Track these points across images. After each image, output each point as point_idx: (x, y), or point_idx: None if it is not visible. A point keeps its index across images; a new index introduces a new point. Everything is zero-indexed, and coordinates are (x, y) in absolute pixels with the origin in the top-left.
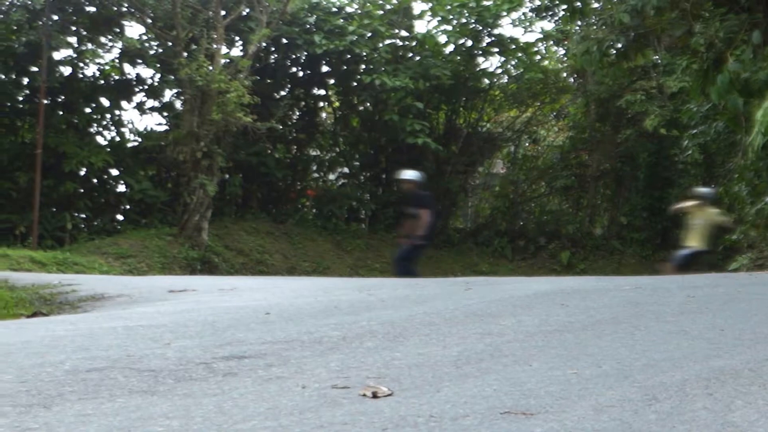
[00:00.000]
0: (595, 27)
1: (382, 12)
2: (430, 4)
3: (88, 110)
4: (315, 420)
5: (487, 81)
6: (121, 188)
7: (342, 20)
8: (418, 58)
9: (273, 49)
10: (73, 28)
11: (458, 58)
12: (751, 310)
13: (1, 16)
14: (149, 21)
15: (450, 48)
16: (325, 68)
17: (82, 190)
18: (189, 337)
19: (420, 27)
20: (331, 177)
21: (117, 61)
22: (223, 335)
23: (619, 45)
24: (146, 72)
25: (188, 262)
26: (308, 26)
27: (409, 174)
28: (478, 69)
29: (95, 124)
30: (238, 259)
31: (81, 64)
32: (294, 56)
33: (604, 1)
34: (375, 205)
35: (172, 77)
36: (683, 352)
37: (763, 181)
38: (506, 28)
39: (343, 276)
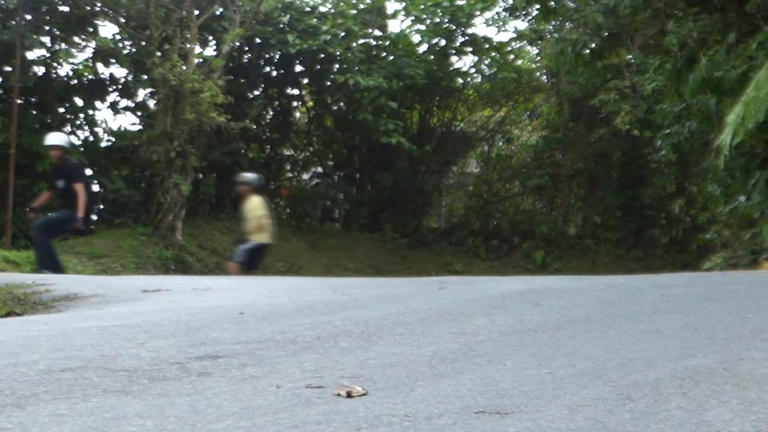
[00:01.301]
0: (568, 26)
1: (355, 11)
2: (404, 4)
3: (61, 110)
4: (289, 420)
5: (460, 80)
6: (95, 188)
7: (315, 20)
8: (391, 57)
9: (246, 48)
10: (47, 28)
11: (432, 57)
12: (725, 309)
13: None
14: (123, 21)
15: (424, 47)
16: (298, 68)
17: None
18: (163, 337)
19: (394, 26)
20: (305, 176)
21: (90, 60)
22: (197, 335)
23: (593, 45)
24: (120, 72)
25: (162, 261)
26: (282, 26)
27: (55, 138)
28: (451, 68)
29: (69, 124)
30: (212, 259)
31: (54, 64)
32: (267, 56)
33: (578, 0)
34: (349, 205)
35: (146, 77)
36: (657, 352)
37: (736, 181)
38: (480, 27)
39: (317, 275)
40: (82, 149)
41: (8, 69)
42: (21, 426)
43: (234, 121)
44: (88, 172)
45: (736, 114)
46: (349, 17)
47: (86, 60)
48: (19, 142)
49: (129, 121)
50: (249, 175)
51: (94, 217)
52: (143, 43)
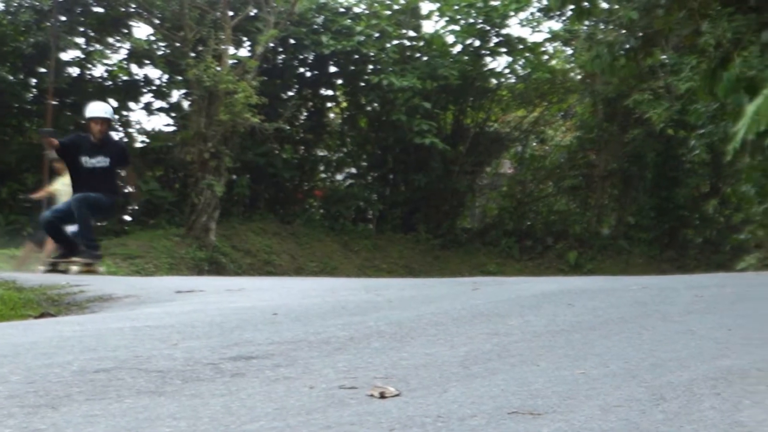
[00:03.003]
0: (602, 27)
1: (389, 12)
2: (438, 5)
3: None
4: (322, 420)
5: (494, 81)
6: (129, 189)
7: (350, 20)
8: (425, 58)
9: (281, 49)
10: (81, 29)
11: (466, 58)
12: (760, 310)
13: (9, 17)
14: (157, 22)
15: (458, 48)
16: (332, 68)
17: None
18: (196, 338)
19: (428, 27)
20: (339, 177)
21: (125, 61)
22: (230, 336)
23: (628, 46)
24: (154, 73)
25: (196, 262)
26: (316, 26)
27: (99, 109)
28: (485, 69)
29: None
30: (246, 260)
31: (89, 65)
32: (302, 56)
33: (612, 1)
34: (382, 206)
35: (180, 78)
36: (690, 352)
37: None
38: (514, 28)
39: (351, 276)
40: None
41: (43, 70)
42: (55, 426)
43: (268, 122)
44: (127, 152)
45: (755, 111)
46: (383, 18)
47: (120, 61)
48: None
49: (163, 122)
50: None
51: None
52: (177, 44)
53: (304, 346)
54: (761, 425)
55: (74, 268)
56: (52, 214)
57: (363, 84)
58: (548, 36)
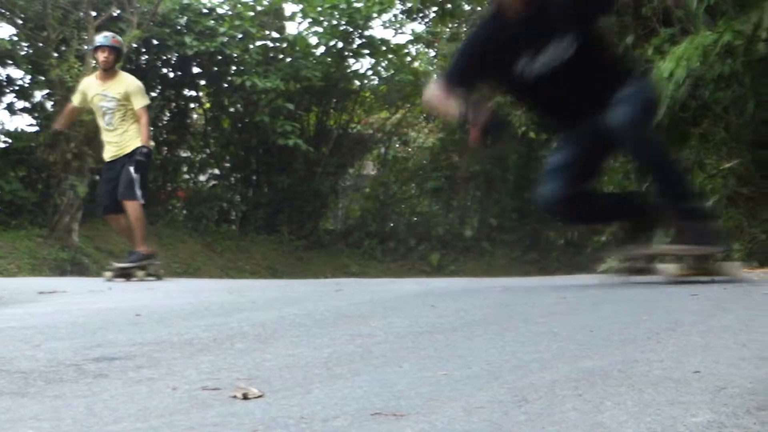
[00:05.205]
0: (465, 29)
1: (253, 13)
2: (301, 6)
3: None
4: (185, 421)
5: (357, 82)
6: None
7: (213, 21)
8: (289, 59)
9: (144, 50)
10: None
11: (329, 59)
12: (621, 312)
13: None
14: (20, 22)
15: (321, 49)
16: (196, 69)
17: None
18: (59, 339)
19: (291, 28)
20: (202, 178)
21: None
22: (93, 336)
23: None
24: (17, 73)
25: (58, 263)
26: (179, 27)
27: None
28: (348, 70)
29: None
30: (109, 261)
31: None
32: (165, 57)
33: (475, 2)
34: (246, 207)
35: (43, 78)
36: (553, 354)
37: (632, 183)
38: (377, 29)
39: (214, 277)
40: None
41: None
42: None
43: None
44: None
45: None
46: (246, 19)
47: None
48: None
49: (26, 123)
50: None
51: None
52: (41, 45)
53: (167, 347)
54: (622, 426)
55: None
56: None
57: (226, 85)
58: (411, 38)
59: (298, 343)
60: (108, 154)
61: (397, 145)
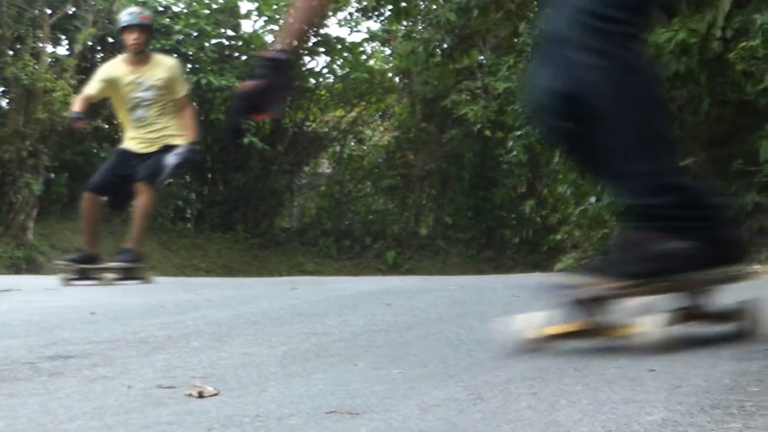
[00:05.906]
0: (420, 27)
1: (208, 11)
2: (257, 4)
3: None
4: (140, 420)
5: (313, 81)
6: None
7: (168, 19)
8: (244, 57)
9: (99, 48)
10: None
11: None
12: None
13: None
14: None
15: None
16: None
17: None
18: (14, 337)
19: (246, 26)
20: None
21: None
22: (48, 335)
23: (445, 45)
24: None
25: (13, 261)
26: None
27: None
28: (304, 69)
29: None
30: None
31: None
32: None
33: (430, 1)
34: (201, 205)
35: None
36: (508, 352)
37: (586, 182)
38: (332, 27)
39: (169, 276)
40: None
41: None
42: None
43: (87, 121)
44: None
45: None
46: (202, 17)
47: None
48: None
49: None
50: None
51: None
52: None
53: (122, 346)
54: (577, 424)
55: None
56: None
57: None
58: (366, 36)
59: (253, 342)
60: (136, 145)
61: (353, 144)
